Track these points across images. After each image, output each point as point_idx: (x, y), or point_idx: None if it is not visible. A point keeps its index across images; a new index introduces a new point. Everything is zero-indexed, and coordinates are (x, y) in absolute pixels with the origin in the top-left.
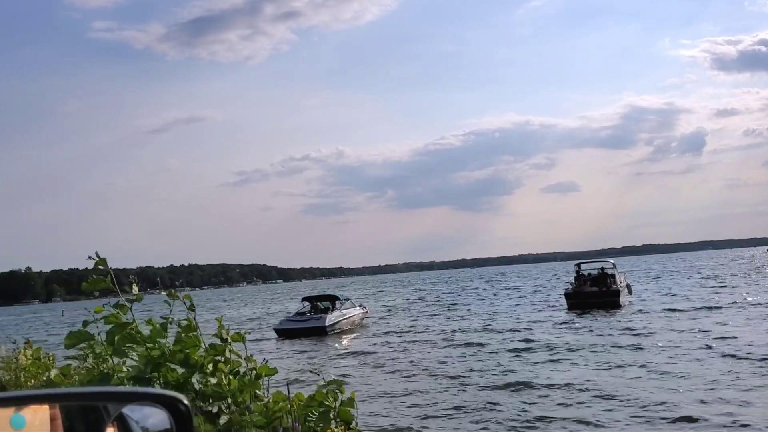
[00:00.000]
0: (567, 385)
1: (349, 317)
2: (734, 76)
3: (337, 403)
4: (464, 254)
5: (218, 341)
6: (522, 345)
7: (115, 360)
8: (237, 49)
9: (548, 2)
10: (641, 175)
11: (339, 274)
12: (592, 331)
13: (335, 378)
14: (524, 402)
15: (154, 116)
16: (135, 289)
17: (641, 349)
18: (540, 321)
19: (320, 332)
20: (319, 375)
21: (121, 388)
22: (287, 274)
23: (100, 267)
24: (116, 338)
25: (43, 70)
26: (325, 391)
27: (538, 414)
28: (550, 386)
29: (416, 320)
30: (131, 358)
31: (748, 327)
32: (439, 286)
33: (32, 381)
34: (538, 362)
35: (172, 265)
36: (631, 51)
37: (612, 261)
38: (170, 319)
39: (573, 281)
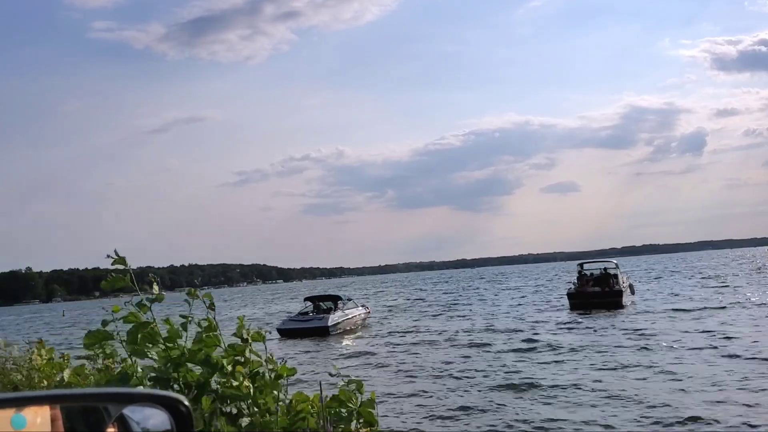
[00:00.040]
0: (573, 385)
1: (351, 317)
2: (734, 76)
3: (356, 405)
4: (464, 254)
5: (234, 341)
6: (525, 345)
7: (131, 360)
8: (237, 49)
9: (548, 2)
10: (641, 175)
11: (339, 274)
12: (595, 331)
13: (353, 378)
14: (531, 403)
15: (154, 116)
16: (156, 288)
17: (646, 349)
18: (542, 321)
19: (323, 332)
20: (338, 375)
21: (122, 390)
22: (287, 274)
23: (120, 266)
24: (139, 337)
25: (43, 70)
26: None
27: (545, 416)
28: (556, 387)
29: (418, 320)
30: (151, 358)
31: (754, 327)
32: (439, 286)
33: (45, 382)
34: (542, 363)
35: (172, 265)
36: (631, 51)
37: (615, 261)
38: (190, 319)
39: (575, 281)
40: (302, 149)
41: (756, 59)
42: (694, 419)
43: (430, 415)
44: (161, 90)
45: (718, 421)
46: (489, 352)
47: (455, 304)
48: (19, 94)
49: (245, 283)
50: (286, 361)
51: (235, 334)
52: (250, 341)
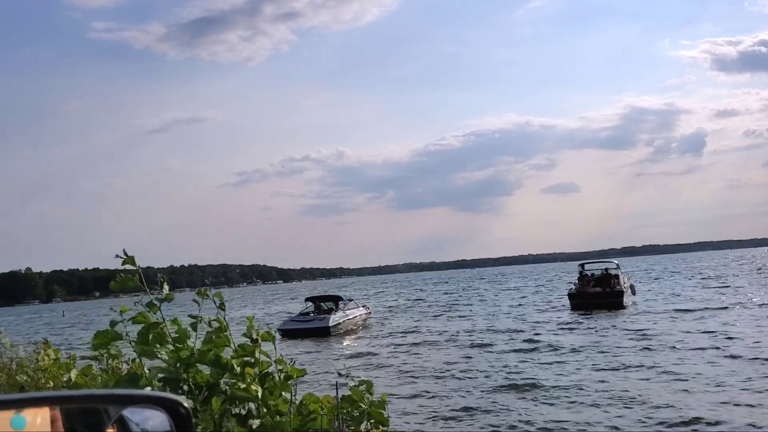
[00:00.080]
0: (576, 386)
1: (352, 318)
2: (734, 76)
3: (367, 405)
4: (464, 255)
5: (240, 341)
6: (527, 346)
7: (140, 360)
8: (237, 49)
9: (548, 3)
10: (641, 176)
11: (339, 275)
12: (597, 331)
13: (364, 379)
14: (534, 404)
15: (154, 116)
16: (166, 288)
17: (648, 349)
18: (544, 321)
19: (324, 333)
20: (348, 376)
21: (122, 391)
22: (287, 275)
23: (129, 266)
24: (150, 338)
25: (43, 70)
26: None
27: (549, 417)
28: (559, 387)
29: (419, 321)
30: (161, 358)
31: (756, 328)
32: (439, 286)
33: (51, 383)
34: (544, 363)
35: (172, 265)
36: (631, 51)
37: (616, 261)
38: (200, 319)
39: (576, 281)
40: (302, 150)
41: (756, 60)
42: (698, 420)
43: (433, 416)
44: (161, 90)
45: (721, 422)
46: (490, 352)
47: (456, 304)
48: (19, 94)
49: (245, 284)
50: (294, 362)
51: (245, 335)
52: (259, 342)
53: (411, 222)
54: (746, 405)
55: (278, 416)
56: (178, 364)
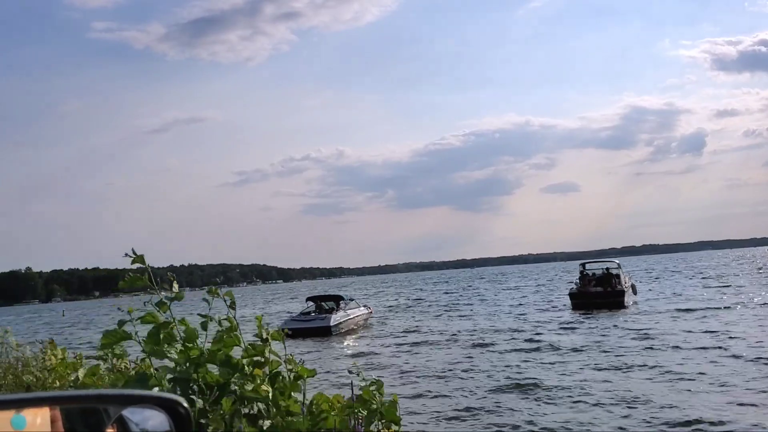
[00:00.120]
0: (579, 386)
1: (353, 317)
2: (734, 76)
3: (378, 404)
4: (464, 254)
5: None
6: (529, 345)
7: (149, 360)
8: (237, 49)
9: (548, 2)
10: (641, 176)
11: (339, 274)
12: (599, 331)
13: (376, 379)
14: (537, 404)
15: (154, 116)
16: (175, 287)
17: (651, 349)
18: (545, 321)
19: (325, 332)
20: (359, 375)
21: (122, 391)
22: (287, 275)
23: (138, 264)
24: (161, 337)
25: (43, 70)
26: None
27: (552, 417)
28: (562, 388)
29: (420, 321)
30: (170, 358)
31: (758, 328)
32: (439, 286)
33: (58, 382)
34: (547, 363)
35: (172, 265)
36: (631, 51)
37: (617, 261)
38: (210, 318)
39: (577, 281)
40: (302, 149)
41: (756, 60)
42: (702, 420)
43: (437, 416)
44: (161, 90)
45: (726, 422)
46: (492, 352)
47: (456, 304)
48: (19, 94)
49: (245, 283)
50: (303, 362)
51: (256, 335)
52: (269, 341)
53: (411, 221)
54: (750, 405)
55: (288, 416)
56: (188, 364)
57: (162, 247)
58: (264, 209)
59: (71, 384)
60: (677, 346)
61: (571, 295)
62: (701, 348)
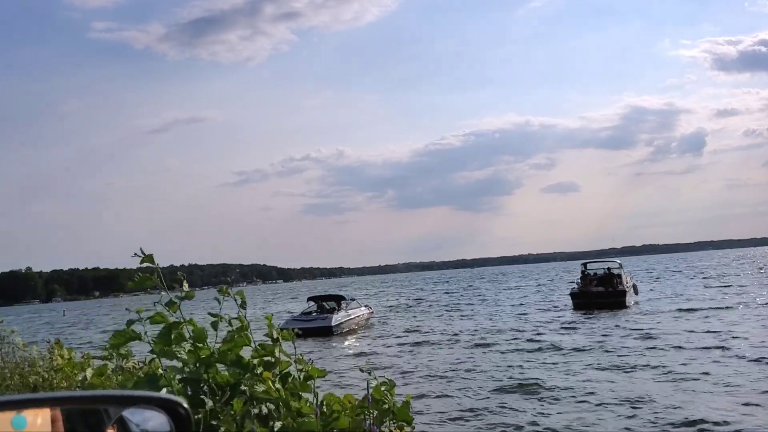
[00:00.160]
0: (582, 387)
1: (354, 317)
2: (734, 76)
3: (390, 404)
4: (464, 254)
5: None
6: (530, 345)
7: (159, 360)
8: (237, 49)
9: (548, 2)
10: (641, 176)
11: (339, 274)
12: (601, 331)
13: (387, 379)
14: (540, 404)
15: (154, 116)
16: (185, 286)
17: (653, 349)
18: (546, 321)
19: (326, 332)
20: (371, 374)
21: (122, 392)
22: (287, 274)
23: (147, 264)
24: (173, 337)
25: (43, 70)
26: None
27: (556, 417)
28: (565, 388)
29: (421, 321)
30: (180, 359)
31: (761, 328)
32: (440, 286)
33: (65, 383)
34: (549, 363)
35: (172, 265)
36: (631, 51)
37: (618, 261)
38: (220, 318)
39: (579, 281)
40: (302, 149)
41: (756, 59)
42: (707, 421)
43: (440, 416)
44: (161, 90)
45: (730, 423)
46: (494, 352)
47: (457, 304)
48: (19, 94)
49: (245, 283)
50: (312, 362)
51: (266, 335)
52: (280, 341)
53: (411, 221)
54: (755, 405)
55: (299, 417)
56: (198, 364)
57: (162, 247)
58: (264, 209)
59: (78, 384)
60: (680, 347)
61: (573, 295)
62: (704, 348)
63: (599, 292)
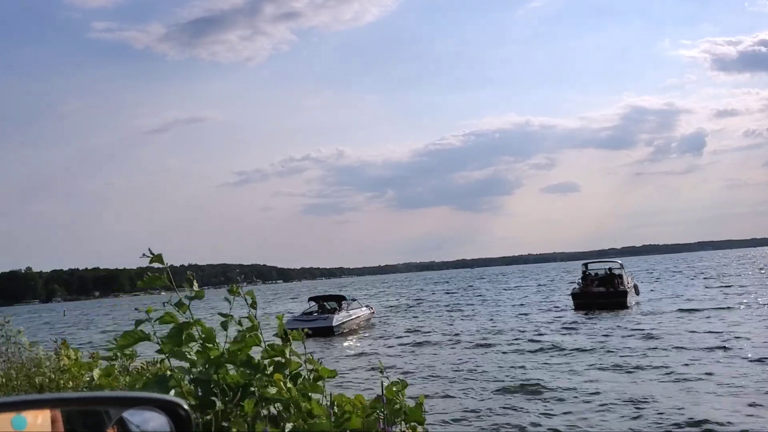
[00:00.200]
0: (585, 387)
1: (356, 317)
2: (734, 76)
3: (402, 404)
4: (464, 254)
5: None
6: (532, 346)
7: (168, 361)
8: (237, 49)
9: (548, 2)
10: (641, 176)
11: (339, 274)
12: (602, 332)
13: (399, 379)
14: (544, 405)
15: (154, 116)
16: (195, 285)
17: (656, 350)
18: (548, 322)
19: (327, 332)
20: (383, 373)
21: (122, 393)
22: (287, 274)
23: (156, 264)
24: (183, 338)
25: (43, 70)
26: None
27: (559, 419)
28: (568, 389)
29: (422, 321)
30: (190, 359)
31: (764, 328)
32: (440, 286)
33: (71, 383)
34: (551, 364)
35: (172, 265)
36: (631, 51)
37: (619, 261)
38: (230, 318)
39: (580, 281)
40: (302, 149)
41: (756, 60)
42: (711, 422)
43: (442, 417)
44: (161, 90)
45: (736, 424)
46: (496, 352)
47: (458, 304)
48: (19, 94)
49: (245, 284)
50: (321, 362)
51: (276, 334)
52: (290, 341)
53: (411, 221)
54: (759, 406)
55: (310, 418)
56: (207, 365)
57: (162, 247)
58: (264, 209)
59: (85, 385)
60: (682, 347)
61: (574, 295)
62: (707, 348)
63: (600, 293)
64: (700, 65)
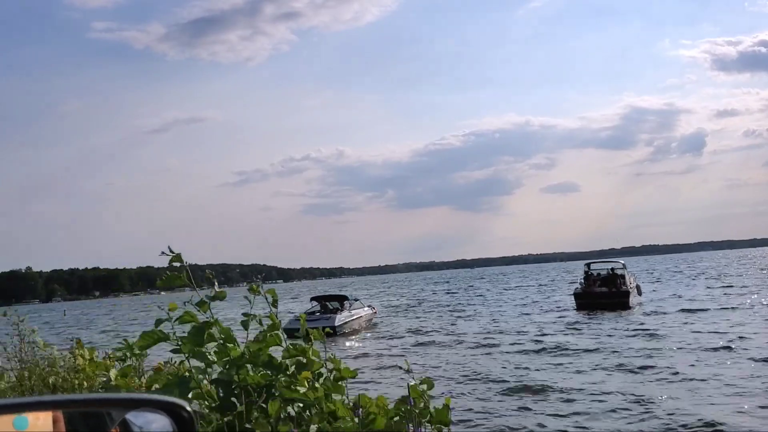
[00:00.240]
0: (590, 388)
1: (358, 317)
2: (734, 76)
3: (428, 404)
4: (464, 254)
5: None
6: (535, 346)
7: (183, 363)
8: (237, 49)
9: (548, 2)
10: (641, 176)
11: (339, 274)
12: (605, 332)
13: (426, 377)
14: (549, 406)
15: (154, 116)
16: (216, 285)
17: (660, 350)
18: (550, 322)
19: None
20: (409, 372)
21: (125, 395)
22: (287, 275)
23: (175, 263)
24: (204, 338)
25: (43, 70)
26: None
27: (565, 420)
28: (572, 390)
29: (424, 321)
30: (211, 360)
31: None
32: (440, 286)
33: (86, 383)
34: (555, 364)
35: (172, 265)
36: (631, 51)
37: (622, 261)
38: (251, 317)
39: (582, 281)
40: (302, 149)
41: (756, 60)
42: (721, 423)
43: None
44: (161, 90)
45: (744, 426)
46: (499, 353)
47: (459, 304)
48: (19, 94)
49: (245, 284)
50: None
51: (296, 335)
52: (312, 340)
53: (411, 221)
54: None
55: (333, 419)
56: (228, 366)
57: (162, 247)
58: (264, 209)
59: (101, 385)
60: (686, 348)
61: (576, 295)
62: (712, 349)
63: (602, 293)
64: (700, 65)
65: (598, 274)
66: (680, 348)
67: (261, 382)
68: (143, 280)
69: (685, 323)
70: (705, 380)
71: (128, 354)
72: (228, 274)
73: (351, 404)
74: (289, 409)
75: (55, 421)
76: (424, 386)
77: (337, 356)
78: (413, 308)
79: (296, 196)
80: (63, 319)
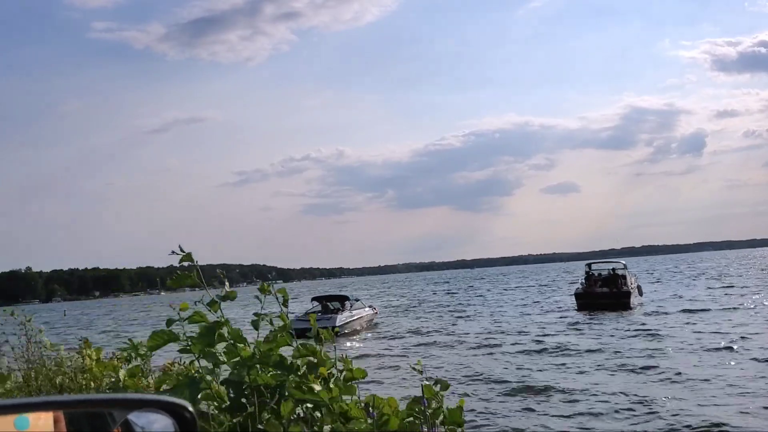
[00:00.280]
0: (592, 389)
1: (359, 318)
2: (734, 77)
3: (441, 405)
4: (464, 254)
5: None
6: (536, 347)
7: (193, 363)
8: (237, 49)
9: (548, 2)
10: (641, 176)
11: (339, 275)
12: (607, 333)
13: (438, 378)
14: (551, 407)
15: (154, 116)
16: (227, 284)
17: (662, 351)
18: (551, 322)
19: None
20: (422, 373)
21: (127, 395)
22: (287, 275)
23: (185, 263)
24: (215, 338)
25: (43, 70)
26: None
27: (568, 421)
28: (575, 391)
29: (425, 321)
30: (221, 360)
31: None
32: (441, 286)
33: (93, 384)
34: (556, 365)
35: (172, 265)
36: (631, 51)
37: (623, 261)
38: (262, 317)
39: (583, 281)
40: (302, 149)
41: (756, 60)
42: (725, 424)
43: None
44: (161, 90)
45: (748, 427)
46: (500, 353)
47: (459, 304)
48: (19, 94)
49: (245, 284)
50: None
51: (308, 335)
52: (323, 340)
53: (411, 221)
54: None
55: (345, 420)
56: (238, 366)
57: (162, 247)
58: (264, 209)
59: (109, 386)
60: (689, 348)
61: (577, 295)
62: (714, 350)
63: (604, 293)
64: (700, 66)
65: (599, 275)
66: (682, 348)
67: (272, 383)
68: (143, 280)
69: (687, 323)
70: (708, 381)
71: (133, 354)
72: (228, 274)
73: (362, 405)
74: (298, 409)
75: (56, 422)
76: (438, 386)
77: (339, 355)
78: (414, 308)
79: (296, 196)
80: (63, 320)
